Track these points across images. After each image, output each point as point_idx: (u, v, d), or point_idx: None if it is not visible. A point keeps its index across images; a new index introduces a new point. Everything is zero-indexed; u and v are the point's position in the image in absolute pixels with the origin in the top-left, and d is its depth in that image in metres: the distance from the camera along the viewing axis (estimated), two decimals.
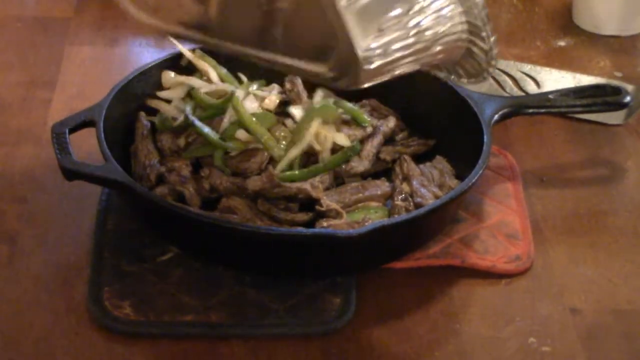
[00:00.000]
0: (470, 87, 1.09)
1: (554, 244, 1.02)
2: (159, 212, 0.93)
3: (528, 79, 1.28)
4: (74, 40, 1.33)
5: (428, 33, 0.85)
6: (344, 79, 0.85)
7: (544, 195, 1.08)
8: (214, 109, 1.04)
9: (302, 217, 0.97)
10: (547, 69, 1.30)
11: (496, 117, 1.05)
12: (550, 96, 1.10)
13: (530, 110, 1.10)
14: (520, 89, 1.26)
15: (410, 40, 0.84)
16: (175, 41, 1.11)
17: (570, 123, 1.20)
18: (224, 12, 0.90)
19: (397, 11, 0.83)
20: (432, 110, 1.10)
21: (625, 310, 0.95)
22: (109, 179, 0.93)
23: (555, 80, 1.28)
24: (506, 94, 1.25)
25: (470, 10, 0.87)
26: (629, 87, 1.24)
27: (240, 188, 0.98)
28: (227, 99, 1.03)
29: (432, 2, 0.85)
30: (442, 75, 0.95)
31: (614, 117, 1.20)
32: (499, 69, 1.29)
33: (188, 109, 1.05)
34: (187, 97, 1.08)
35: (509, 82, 1.27)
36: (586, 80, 1.28)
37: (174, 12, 0.93)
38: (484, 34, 0.89)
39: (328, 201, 0.97)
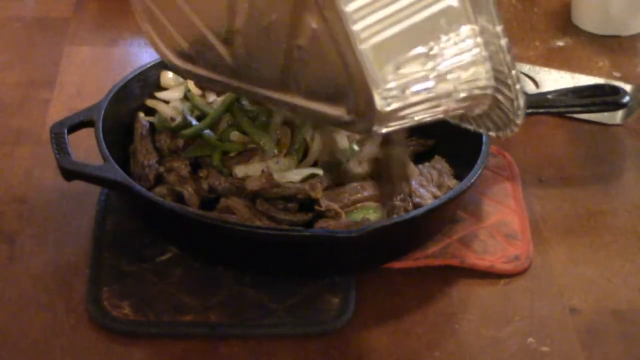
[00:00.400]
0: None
1: (553, 244, 1.02)
2: (158, 212, 0.93)
3: (527, 79, 1.28)
4: (73, 41, 1.33)
5: (450, 77, 0.80)
6: (361, 123, 0.81)
7: (543, 195, 1.09)
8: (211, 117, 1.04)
9: (301, 217, 0.97)
10: (546, 69, 1.30)
11: None
12: (549, 96, 1.10)
13: (529, 110, 1.10)
14: None
15: (430, 83, 0.79)
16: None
17: (569, 123, 1.21)
18: (249, 53, 0.88)
19: (417, 51, 0.78)
20: None
21: (624, 310, 0.95)
22: (108, 179, 0.93)
23: (554, 80, 1.28)
24: None
25: (495, 55, 0.82)
26: (628, 87, 1.24)
27: (239, 188, 0.98)
28: (224, 104, 1.03)
29: (454, 45, 0.80)
30: (470, 128, 0.90)
31: (612, 117, 1.20)
32: None
33: (186, 109, 1.05)
34: (186, 98, 1.08)
35: None
36: (585, 80, 1.28)
37: (205, 55, 0.92)
38: (509, 80, 0.82)
39: (327, 201, 0.97)
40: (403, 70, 0.78)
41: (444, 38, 0.79)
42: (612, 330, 0.93)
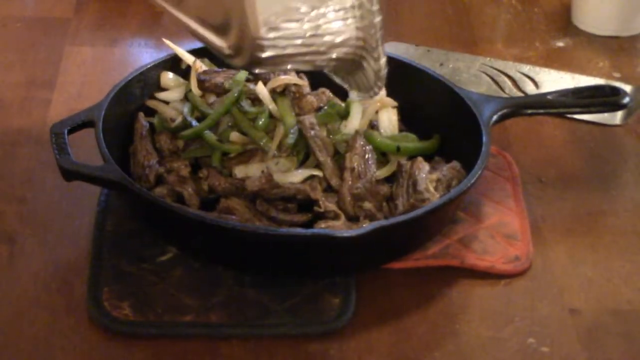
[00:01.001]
0: (469, 88, 1.08)
1: (553, 245, 1.02)
2: (158, 212, 0.93)
3: (527, 80, 1.28)
4: (74, 41, 1.33)
5: (324, 39, 0.88)
6: (238, 59, 0.88)
7: (543, 195, 1.09)
8: (211, 118, 1.04)
9: (301, 217, 0.97)
10: (546, 69, 1.30)
11: (495, 117, 1.06)
12: (549, 97, 1.10)
13: (529, 111, 1.10)
14: (519, 89, 1.26)
15: (306, 41, 0.87)
16: (173, 45, 1.12)
17: (569, 124, 1.21)
18: None
19: (299, 10, 0.86)
20: (431, 111, 1.10)
21: (624, 311, 0.95)
22: (108, 180, 0.93)
23: (554, 80, 1.28)
24: (505, 95, 1.25)
25: (367, 28, 0.89)
26: (628, 88, 1.24)
27: (238, 189, 0.98)
28: (224, 105, 1.03)
29: (332, 12, 0.88)
30: (337, 80, 0.97)
31: (612, 118, 1.20)
32: (497, 70, 1.29)
33: (186, 110, 1.05)
34: (186, 99, 1.08)
35: (508, 82, 1.27)
36: (585, 80, 1.28)
37: None
38: (375, 54, 0.91)
39: (327, 202, 0.97)
40: (283, 24, 0.86)
41: (326, 6, 0.87)
42: (612, 330, 0.93)
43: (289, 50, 0.87)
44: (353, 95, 1.04)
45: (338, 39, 0.89)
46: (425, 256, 0.98)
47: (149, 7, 1.41)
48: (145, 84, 1.09)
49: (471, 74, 1.29)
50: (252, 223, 0.95)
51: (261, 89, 1.05)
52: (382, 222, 0.90)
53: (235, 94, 1.03)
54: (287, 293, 0.93)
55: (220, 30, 0.89)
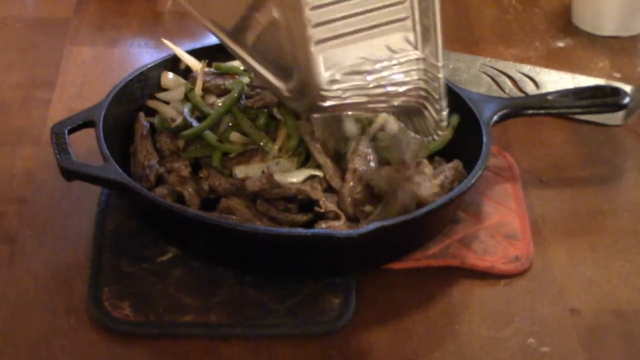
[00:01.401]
0: (469, 88, 1.09)
1: (554, 245, 1.02)
2: (158, 212, 0.93)
3: (527, 80, 1.28)
4: (74, 41, 1.33)
5: (387, 89, 0.90)
6: (298, 104, 0.90)
7: (543, 195, 1.09)
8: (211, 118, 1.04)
9: (301, 217, 0.97)
10: (547, 69, 1.30)
11: (495, 118, 1.06)
12: (550, 97, 1.11)
13: (530, 111, 1.10)
14: (520, 89, 1.26)
15: (369, 92, 0.90)
16: (173, 46, 1.12)
17: (570, 124, 1.21)
18: None
19: (363, 66, 0.89)
20: None
21: (624, 311, 0.95)
22: (109, 180, 0.93)
23: (554, 81, 1.28)
24: (505, 95, 1.25)
25: (431, 81, 0.92)
26: (628, 88, 1.24)
27: (239, 189, 0.98)
28: (224, 105, 1.03)
29: (397, 65, 0.90)
30: (395, 119, 0.99)
31: (613, 118, 1.20)
32: (498, 70, 1.29)
33: (186, 110, 1.05)
34: (186, 99, 1.08)
35: (508, 83, 1.27)
36: (585, 81, 1.28)
37: None
38: (438, 105, 0.93)
39: (327, 202, 0.97)
40: (348, 77, 0.88)
41: (390, 59, 0.90)
42: (612, 330, 0.93)
43: (350, 100, 0.89)
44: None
45: (401, 90, 0.91)
46: (426, 256, 0.98)
47: (149, 7, 1.41)
48: (145, 84, 1.09)
49: (471, 74, 1.29)
50: (253, 223, 0.95)
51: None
52: (383, 222, 0.90)
53: (236, 94, 1.03)
54: (287, 293, 0.93)
55: (280, 72, 0.91)
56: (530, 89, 1.26)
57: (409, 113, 0.96)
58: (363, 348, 0.90)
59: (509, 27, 1.42)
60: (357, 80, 0.89)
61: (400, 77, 0.91)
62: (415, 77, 0.92)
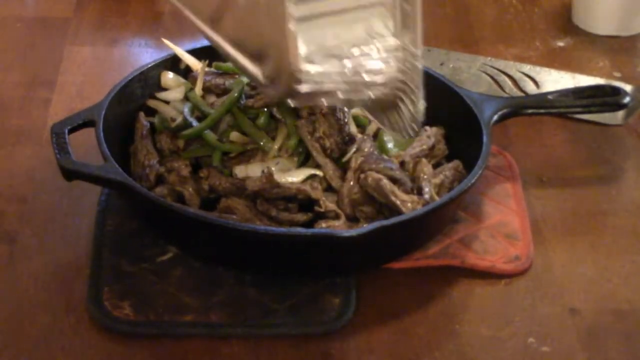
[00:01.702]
0: (469, 88, 1.08)
1: (554, 244, 1.02)
2: (158, 212, 0.93)
3: (527, 80, 1.28)
4: (74, 41, 1.33)
5: (365, 78, 0.88)
6: (273, 89, 0.88)
7: (543, 195, 1.09)
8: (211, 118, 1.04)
9: (302, 217, 0.97)
10: (547, 69, 1.30)
11: (495, 117, 1.06)
12: (550, 97, 1.11)
13: (530, 111, 1.10)
14: (520, 89, 1.26)
15: (346, 79, 0.87)
16: (172, 45, 1.12)
17: (570, 123, 1.21)
18: None
19: (342, 50, 0.87)
20: (432, 111, 1.10)
21: (625, 310, 0.95)
22: (109, 179, 0.93)
23: (554, 80, 1.28)
24: (505, 95, 1.25)
25: (409, 71, 0.90)
26: (628, 88, 1.24)
27: (239, 188, 0.98)
28: (224, 105, 1.03)
29: (376, 52, 0.88)
30: (370, 117, 0.98)
31: (613, 118, 1.20)
32: (498, 69, 1.29)
33: (186, 110, 1.05)
34: (186, 99, 1.08)
35: (508, 82, 1.27)
36: (585, 80, 1.28)
37: None
38: (414, 97, 0.91)
39: (327, 202, 0.97)
40: (325, 61, 0.86)
41: (368, 45, 0.88)
42: (612, 330, 0.93)
43: (327, 87, 0.87)
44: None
45: (378, 79, 0.89)
46: (426, 256, 0.98)
47: (149, 7, 1.41)
48: (145, 83, 1.09)
49: (471, 73, 1.29)
50: (253, 223, 0.95)
51: None
52: (383, 222, 0.90)
53: (236, 94, 1.03)
54: (287, 293, 0.93)
55: (257, 57, 0.89)
56: (531, 88, 1.26)
57: (384, 107, 0.94)
58: (363, 348, 0.90)
59: (509, 26, 1.42)
60: (335, 65, 0.87)
61: (378, 65, 0.89)
62: (393, 66, 0.90)
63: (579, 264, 1.00)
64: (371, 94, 0.90)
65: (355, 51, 0.87)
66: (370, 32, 0.88)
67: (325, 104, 0.92)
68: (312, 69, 0.85)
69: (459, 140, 1.05)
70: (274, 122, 1.03)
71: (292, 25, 0.83)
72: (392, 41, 0.89)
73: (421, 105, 0.91)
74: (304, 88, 0.86)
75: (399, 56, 0.89)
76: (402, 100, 0.92)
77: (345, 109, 1.01)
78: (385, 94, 0.91)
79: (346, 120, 1.01)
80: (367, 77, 0.88)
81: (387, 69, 0.89)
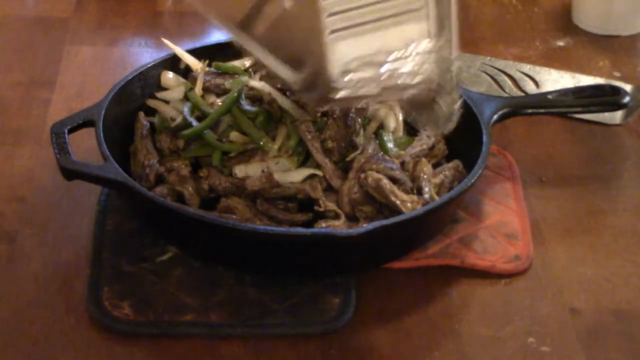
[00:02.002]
0: (469, 87, 1.08)
1: (554, 244, 1.02)
2: (158, 212, 0.93)
3: (527, 79, 1.28)
4: (74, 40, 1.33)
5: (399, 81, 0.89)
6: (309, 95, 0.90)
7: (543, 195, 1.09)
8: (211, 117, 1.04)
9: (301, 217, 0.97)
10: (547, 69, 1.30)
11: (495, 117, 1.06)
12: (550, 96, 1.11)
13: (530, 111, 1.10)
14: (520, 89, 1.26)
15: (380, 84, 0.88)
16: (172, 45, 1.12)
17: (570, 123, 1.21)
18: None
19: (376, 56, 0.87)
20: None
21: (624, 310, 0.95)
22: (109, 179, 0.93)
23: (554, 80, 1.28)
24: (505, 94, 1.25)
25: (444, 73, 0.91)
26: (628, 87, 1.24)
27: (239, 188, 0.98)
28: (224, 105, 1.03)
29: (411, 55, 0.89)
30: (401, 112, 1.00)
31: (613, 117, 1.20)
32: (498, 69, 1.29)
33: (186, 109, 1.05)
34: (186, 98, 1.08)
35: (508, 82, 1.27)
36: (585, 80, 1.28)
37: None
38: (449, 99, 0.92)
39: (327, 202, 0.97)
40: (361, 70, 0.86)
41: (403, 51, 0.88)
42: (612, 330, 0.93)
43: (362, 92, 0.88)
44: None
45: (413, 82, 0.89)
46: (426, 256, 0.98)
47: (149, 7, 1.41)
48: (145, 83, 1.09)
49: (471, 73, 1.29)
50: (253, 222, 0.95)
51: (263, 86, 1.05)
52: (383, 222, 0.90)
53: (236, 94, 1.03)
54: (287, 292, 0.93)
55: (292, 63, 0.90)
56: (530, 88, 1.26)
57: (419, 105, 0.95)
58: (363, 347, 0.90)
59: (509, 26, 1.42)
60: (370, 72, 0.87)
61: (413, 69, 0.89)
62: (428, 69, 0.90)
63: (578, 264, 1.00)
64: (405, 95, 0.90)
65: (391, 57, 0.88)
66: (404, 38, 0.89)
67: (358, 105, 0.94)
68: (348, 77, 0.86)
69: (458, 140, 1.05)
70: (274, 122, 1.03)
71: (327, 38, 0.84)
72: (426, 44, 0.89)
73: (457, 106, 0.92)
74: (340, 95, 0.86)
75: (434, 59, 0.90)
76: (436, 101, 0.92)
77: (359, 119, 1.01)
78: (419, 95, 0.91)
79: (357, 127, 1.01)
80: (401, 81, 0.89)
81: (422, 71, 0.90)
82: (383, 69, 0.88)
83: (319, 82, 0.86)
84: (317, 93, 0.88)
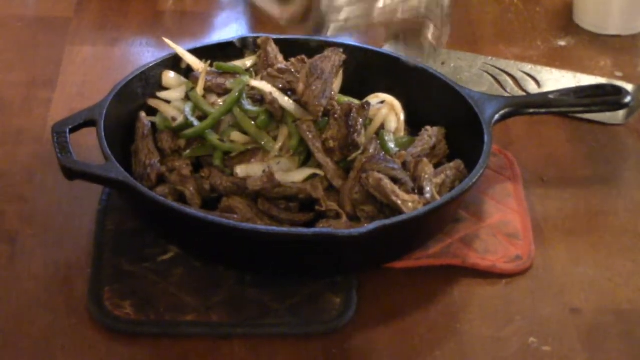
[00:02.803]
0: (470, 87, 1.08)
1: (555, 244, 1.02)
2: (159, 211, 0.93)
3: (529, 79, 1.28)
4: (75, 40, 1.33)
5: (389, 16, 0.90)
6: (297, 29, 0.91)
7: (544, 194, 1.08)
8: (213, 117, 1.04)
9: (303, 217, 0.97)
10: (548, 68, 1.30)
11: (497, 117, 1.06)
12: (551, 96, 1.10)
13: (531, 110, 1.10)
14: (521, 88, 1.26)
15: (370, 19, 0.90)
16: (173, 44, 1.12)
17: (571, 123, 1.20)
18: None
19: None
20: (433, 110, 1.10)
21: (625, 310, 0.95)
22: (110, 179, 0.93)
23: (555, 80, 1.28)
24: (507, 94, 1.25)
25: (431, 5, 0.92)
26: (630, 87, 1.24)
27: (240, 188, 0.98)
28: (225, 104, 1.03)
29: None
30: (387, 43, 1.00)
31: (614, 117, 1.20)
32: (499, 69, 1.29)
33: (187, 109, 1.05)
34: (187, 98, 1.08)
35: (510, 81, 1.27)
36: (587, 80, 1.28)
37: None
38: (437, 32, 0.93)
39: (328, 202, 0.97)
40: (351, 5, 0.88)
41: None
42: (613, 330, 0.93)
43: (351, 24, 0.89)
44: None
45: (402, 15, 0.91)
46: (427, 255, 0.97)
47: (150, 6, 1.41)
48: (146, 83, 1.09)
49: (473, 73, 1.29)
50: (254, 222, 0.95)
51: (265, 86, 1.05)
52: (384, 222, 0.90)
53: (237, 94, 1.03)
54: (288, 292, 0.93)
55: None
56: (532, 87, 1.26)
57: (408, 33, 0.95)
58: (364, 347, 0.90)
59: (510, 25, 1.42)
60: (361, 8, 0.88)
61: (404, 4, 0.91)
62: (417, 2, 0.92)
63: (579, 264, 1.00)
64: (394, 18, 0.91)
65: None
66: None
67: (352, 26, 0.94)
68: (339, 14, 0.87)
69: (460, 140, 1.05)
70: (275, 122, 1.03)
71: None
72: None
73: (444, 38, 0.94)
74: (330, 31, 0.88)
75: None
76: (424, 31, 0.94)
77: (360, 119, 1.01)
78: (409, 21, 0.92)
79: (358, 127, 1.00)
80: (391, 15, 0.89)
81: (412, 3, 0.91)
82: (374, 4, 0.89)
83: (308, 19, 0.87)
84: (305, 29, 0.89)
